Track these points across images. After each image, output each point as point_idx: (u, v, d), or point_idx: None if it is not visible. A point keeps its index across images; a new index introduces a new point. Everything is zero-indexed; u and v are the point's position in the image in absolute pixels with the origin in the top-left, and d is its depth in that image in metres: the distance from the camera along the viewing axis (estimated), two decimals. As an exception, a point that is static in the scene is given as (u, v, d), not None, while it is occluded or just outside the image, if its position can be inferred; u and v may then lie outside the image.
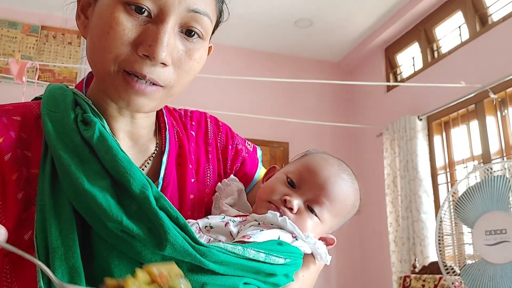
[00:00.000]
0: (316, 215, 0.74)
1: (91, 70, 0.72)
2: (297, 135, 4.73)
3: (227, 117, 3.57)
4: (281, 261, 0.63)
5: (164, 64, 0.60)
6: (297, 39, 4.67)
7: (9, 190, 0.57)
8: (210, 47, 0.73)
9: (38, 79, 3.11)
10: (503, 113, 3.30)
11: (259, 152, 0.90)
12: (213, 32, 0.70)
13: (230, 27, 4.78)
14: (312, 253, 0.72)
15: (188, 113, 0.84)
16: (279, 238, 0.66)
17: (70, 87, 0.70)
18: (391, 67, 4.65)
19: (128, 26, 0.59)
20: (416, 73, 4.22)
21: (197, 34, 0.64)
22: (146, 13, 0.60)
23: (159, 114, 0.78)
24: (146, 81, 0.60)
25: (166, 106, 0.82)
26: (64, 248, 0.54)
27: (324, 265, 0.75)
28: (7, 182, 0.58)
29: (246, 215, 0.72)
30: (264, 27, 4.45)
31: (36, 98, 0.72)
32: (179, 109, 0.85)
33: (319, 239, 0.74)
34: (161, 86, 0.62)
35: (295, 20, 4.32)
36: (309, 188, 0.74)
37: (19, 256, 0.55)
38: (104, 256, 0.55)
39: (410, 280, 3.10)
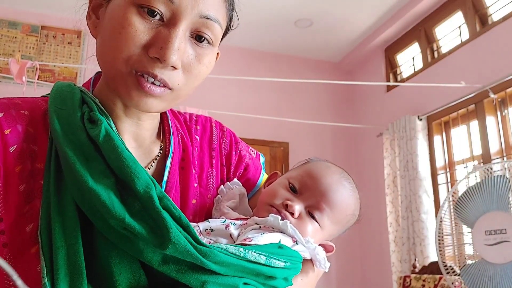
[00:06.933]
0: (316, 221, 0.74)
1: (96, 70, 0.73)
2: (297, 135, 4.73)
3: (227, 117, 3.57)
4: (282, 264, 0.63)
5: (174, 68, 0.61)
6: (297, 39, 4.67)
7: (11, 182, 0.58)
8: (217, 53, 0.73)
9: (38, 79, 3.11)
10: (503, 113, 3.30)
11: (262, 159, 0.90)
12: (222, 38, 0.71)
13: (230, 27, 4.75)
14: (311, 260, 0.72)
15: (194, 117, 0.84)
16: (279, 242, 0.66)
17: (77, 85, 0.70)
18: (391, 67, 4.65)
19: (140, 28, 0.60)
20: (416, 73, 4.22)
21: (207, 40, 0.65)
22: (158, 17, 0.61)
23: (163, 117, 0.78)
24: (156, 81, 0.61)
25: (170, 109, 0.82)
26: (67, 247, 0.54)
27: (323, 272, 0.75)
28: (10, 173, 0.58)
29: (247, 218, 0.73)
30: (264, 27, 4.45)
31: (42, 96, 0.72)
32: (184, 113, 0.85)
33: (319, 245, 0.74)
34: (170, 88, 0.63)
35: (295, 20, 4.32)
36: (310, 194, 0.75)
37: (20, 247, 0.56)
38: (104, 255, 0.56)
39: (410, 280, 3.10)
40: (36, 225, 0.57)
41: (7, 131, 0.60)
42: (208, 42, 0.65)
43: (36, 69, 3.02)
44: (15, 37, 4.14)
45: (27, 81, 2.99)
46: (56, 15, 4.18)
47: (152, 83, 0.61)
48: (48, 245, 0.55)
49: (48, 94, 0.70)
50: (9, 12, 4.16)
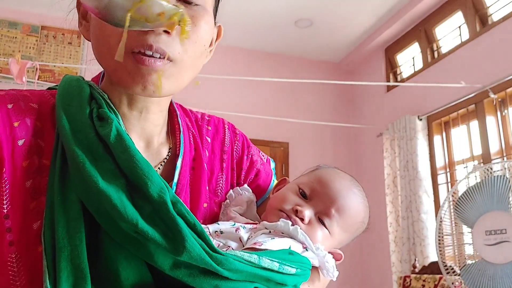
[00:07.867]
0: (326, 227, 0.73)
1: (96, 70, 0.71)
2: (297, 135, 4.73)
3: (227, 117, 3.54)
4: (293, 271, 0.62)
5: (168, 33, 0.58)
6: (297, 39, 4.67)
7: (18, 177, 0.56)
8: (219, 28, 0.71)
9: (38, 79, 3.11)
10: (503, 113, 3.31)
11: (272, 164, 0.88)
12: (217, 9, 0.68)
13: (230, 27, 4.78)
14: (317, 268, 0.71)
15: (206, 117, 0.81)
16: (290, 248, 0.65)
17: (86, 80, 0.68)
18: (391, 67, 4.65)
19: None
20: (416, 73, 4.22)
21: None
22: None
23: (172, 115, 0.75)
24: (154, 53, 0.57)
25: (181, 106, 0.80)
26: (70, 247, 0.52)
27: (329, 281, 0.74)
28: (18, 168, 0.56)
29: (256, 223, 0.72)
30: (264, 27, 4.45)
31: (50, 89, 0.70)
32: (196, 112, 0.82)
33: (328, 253, 0.74)
34: (170, 60, 0.59)
35: (295, 20, 4.32)
36: (320, 200, 0.74)
37: (26, 246, 0.54)
38: (111, 257, 0.54)
39: (410, 280, 3.10)
40: (42, 223, 0.55)
41: (16, 124, 0.58)
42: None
43: (36, 69, 3.02)
44: (15, 37, 4.14)
45: (27, 81, 2.99)
46: (56, 15, 4.18)
47: (152, 56, 0.57)
48: (51, 246, 0.53)
49: (56, 86, 0.67)
50: (9, 12, 4.16)
